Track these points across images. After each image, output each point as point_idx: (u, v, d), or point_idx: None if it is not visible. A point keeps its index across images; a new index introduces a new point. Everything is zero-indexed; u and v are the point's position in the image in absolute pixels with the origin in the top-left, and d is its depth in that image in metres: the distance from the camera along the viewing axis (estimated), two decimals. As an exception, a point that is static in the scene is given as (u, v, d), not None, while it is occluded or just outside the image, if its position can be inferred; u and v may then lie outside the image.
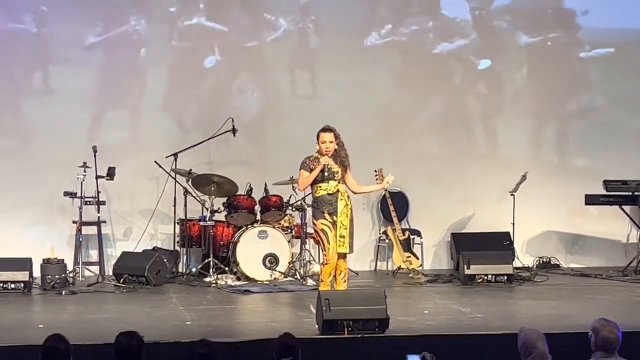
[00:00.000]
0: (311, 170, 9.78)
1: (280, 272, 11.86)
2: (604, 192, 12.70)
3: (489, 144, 13.58)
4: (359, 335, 8.62)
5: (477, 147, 13.56)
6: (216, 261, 11.98)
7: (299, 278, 11.90)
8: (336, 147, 9.81)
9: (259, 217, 12.18)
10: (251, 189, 12.29)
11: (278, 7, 13.21)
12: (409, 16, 13.44)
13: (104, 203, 12.14)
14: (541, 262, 13.26)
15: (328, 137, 9.80)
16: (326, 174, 9.73)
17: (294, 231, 12.23)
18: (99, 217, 12.09)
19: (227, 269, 12.04)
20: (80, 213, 11.91)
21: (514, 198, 12.72)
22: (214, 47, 13.08)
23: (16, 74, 12.65)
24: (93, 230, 12.16)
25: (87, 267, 12.12)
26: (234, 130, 12.29)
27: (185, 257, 12.51)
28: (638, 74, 13.69)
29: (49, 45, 12.72)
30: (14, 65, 12.62)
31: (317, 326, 8.90)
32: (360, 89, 13.26)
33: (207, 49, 13.08)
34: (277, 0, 13.24)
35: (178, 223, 12.33)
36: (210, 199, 12.03)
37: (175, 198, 12.21)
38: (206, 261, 12.01)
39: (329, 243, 9.77)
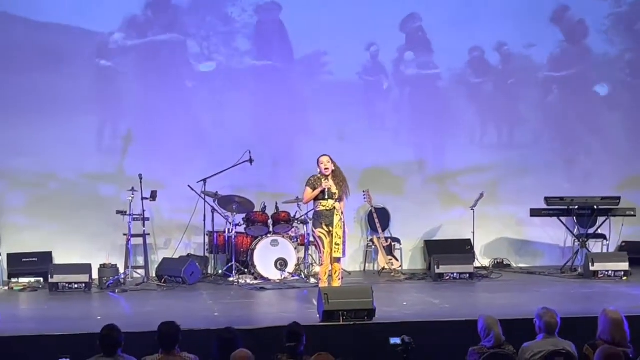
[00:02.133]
0: (314, 188, 9.85)
1: (288, 272, 11.83)
2: (545, 206, 12.67)
3: (454, 169, 13.55)
4: (352, 323, 8.61)
5: (445, 171, 13.53)
6: (237, 264, 11.94)
7: (304, 277, 11.87)
8: (333, 168, 9.87)
9: (271, 229, 12.15)
10: (265, 207, 12.27)
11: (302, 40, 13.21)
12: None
13: (148, 219, 12.11)
14: (496, 262, 13.21)
15: (325, 159, 9.93)
16: (326, 195, 9.77)
17: (299, 240, 12.20)
18: (144, 230, 12.05)
19: (246, 270, 12.01)
20: (130, 227, 11.88)
21: (474, 212, 12.70)
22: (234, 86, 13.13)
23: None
24: (139, 240, 12.12)
25: (135, 270, 12.06)
26: (250, 160, 12.28)
27: (213, 261, 12.45)
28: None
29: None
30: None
31: (318, 315, 8.89)
32: (357, 122, 13.30)
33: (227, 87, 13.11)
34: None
35: (207, 234, 12.31)
36: (232, 214, 12.01)
37: (204, 214, 12.18)
38: (229, 264, 11.97)
39: (324, 247, 9.81)
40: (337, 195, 9.87)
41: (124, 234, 12.03)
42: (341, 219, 9.84)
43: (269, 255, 11.84)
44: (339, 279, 9.93)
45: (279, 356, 6.85)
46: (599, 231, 12.82)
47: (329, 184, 9.82)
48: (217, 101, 13.00)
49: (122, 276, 11.63)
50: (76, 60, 12.63)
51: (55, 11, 12.47)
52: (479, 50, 13.57)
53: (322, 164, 9.90)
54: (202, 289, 11.33)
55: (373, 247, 12.76)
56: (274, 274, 11.78)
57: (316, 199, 9.94)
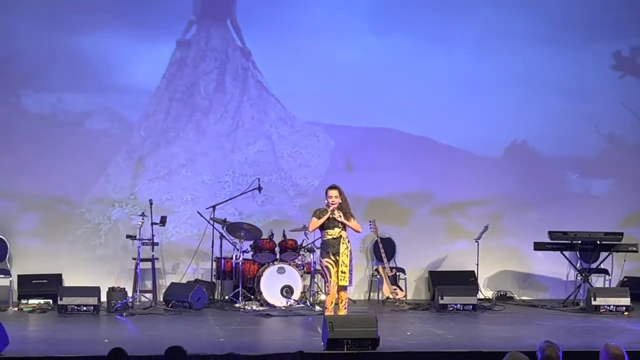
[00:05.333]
0: (319, 218, 9.87)
1: (294, 300, 11.80)
2: (549, 240, 12.65)
3: (459, 201, 13.53)
4: (356, 351, 8.56)
5: (451, 203, 13.50)
6: (244, 290, 11.93)
7: (309, 305, 11.84)
8: (340, 201, 9.89)
9: (278, 256, 12.14)
10: (272, 234, 12.27)
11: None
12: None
13: (157, 244, 12.12)
14: (499, 294, 13.17)
15: (334, 193, 9.93)
16: (335, 214, 9.80)
17: (305, 268, 12.19)
18: (153, 255, 12.07)
19: (252, 297, 11.99)
20: (139, 251, 11.89)
21: (478, 244, 12.67)
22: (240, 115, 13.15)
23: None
24: (148, 265, 12.12)
25: (143, 294, 12.05)
26: (259, 188, 12.33)
27: (220, 287, 12.44)
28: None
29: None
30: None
31: (322, 343, 8.86)
32: (364, 152, 13.27)
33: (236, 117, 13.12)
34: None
35: (215, 260, 12.31)
36: (240, 241, 12.01)
37: (212, 240, 12.19)
38: (236, 290, 11.96)
39: (331, 277, 9.80)
40: (341, 224, 9.90)
41: (133, 258, 12.03)
42: (347, 247, 9.86)
43: (275, 283, 11.82)
44: (345, 308, 9.90)
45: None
46: (602, 266, 12.79)
47: (336, 214, 9.86)
48: (227, 129, 13.02)
49: (130, 300, 11.62)
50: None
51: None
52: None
53: (330, 197, 9.93)
54: (209, 314, 11.31)
55: (378, 276, 12.72)
56: (280, 301, 11.76)
57: (322, 228, 9.96)
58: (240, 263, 11.94)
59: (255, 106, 13.03)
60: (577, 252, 12.75)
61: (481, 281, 13.02)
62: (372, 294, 13.12)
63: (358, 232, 10.23)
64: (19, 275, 12.09)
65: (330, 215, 9.87)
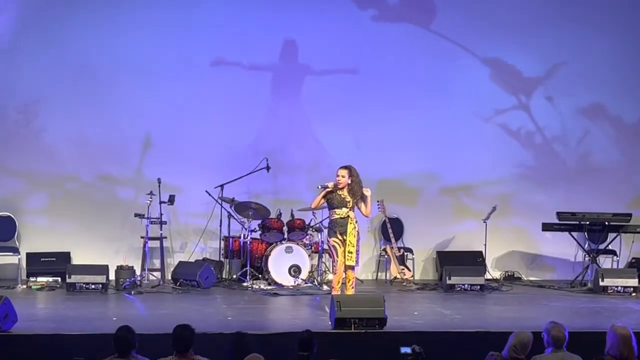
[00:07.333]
0: (322, 197, 9.88)
1: (302, 279, 11.82)
2: (557, 221, 12.63)
3: (468, 182, 13.51)
4: (363, 331, 8.59)
5: (459, 183, 13.49)
6: (252, 270, 11.95)
7: (317, 284, 11.86)
8: (349, 182, 9.83)
9: (286, 236, 12.15)
10: (280, 214, 12.29)
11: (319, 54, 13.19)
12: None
13: (165, 222, 12.15)
14: (506, 275, 13.17)
15: (342, 172, 9.87)
16: (335, 190, 9.80)
17: (313, 247, 12.20)
18: (161, 234, 12.09)
19: (260, 276, 12.01)
20: (147, 230, 11.91)
21: (486, 224, 12.66)
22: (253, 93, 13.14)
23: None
24: (156, 243, 12.15)
25: (151, 272, 12.08)
26: (267, 167, 12.32)
27: (227, 266, 12.45)
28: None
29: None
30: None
31: (330, 322, 8.88)
32: (373, 132, 13.25)
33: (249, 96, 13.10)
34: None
35: (223, 239, 12.32)
36: (248, 220, 12.03)
37: (220, 219, 12.20)
38: (244, 269, 11.99)
39: (337, 257, 9.79)
40: (351, 204, 9.85)
41: (142, 237, 12.05)
42: (355, 227, 9.84)
43: (283, 262, 11.84)
44: (352, 288, 9.90)
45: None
46: (610, 247, 12.77)
47: (335, 186, 9.80)
48: (236, 108, 13.00)
49: (139, 278, 11.66)
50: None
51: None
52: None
53: (337, 176, 9.87)
54: (217, 293, 11.34)
55: (386, 256, 12.72)
56: (288, 280, 11.78)
57: (330, 207, 9.94)
58: (249, 242, 11.96)
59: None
60: (585, 233, 12.73)
61: (489, 261, 13.01)
62: (379, 273, 13.13)
63: (365, 217, 10.15)
64: (27, 253, 12.14)
65: (332, 189, 9.82)
